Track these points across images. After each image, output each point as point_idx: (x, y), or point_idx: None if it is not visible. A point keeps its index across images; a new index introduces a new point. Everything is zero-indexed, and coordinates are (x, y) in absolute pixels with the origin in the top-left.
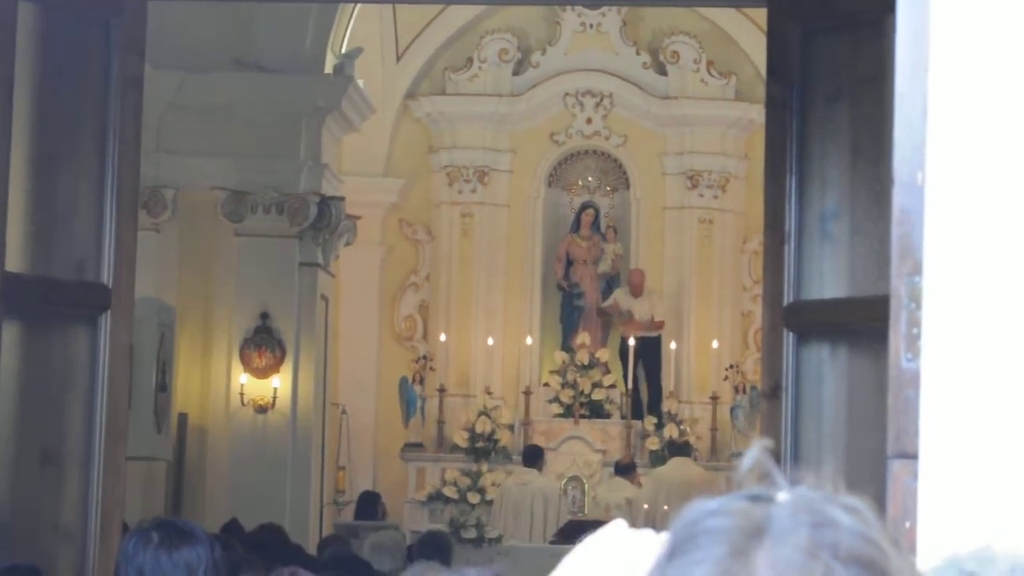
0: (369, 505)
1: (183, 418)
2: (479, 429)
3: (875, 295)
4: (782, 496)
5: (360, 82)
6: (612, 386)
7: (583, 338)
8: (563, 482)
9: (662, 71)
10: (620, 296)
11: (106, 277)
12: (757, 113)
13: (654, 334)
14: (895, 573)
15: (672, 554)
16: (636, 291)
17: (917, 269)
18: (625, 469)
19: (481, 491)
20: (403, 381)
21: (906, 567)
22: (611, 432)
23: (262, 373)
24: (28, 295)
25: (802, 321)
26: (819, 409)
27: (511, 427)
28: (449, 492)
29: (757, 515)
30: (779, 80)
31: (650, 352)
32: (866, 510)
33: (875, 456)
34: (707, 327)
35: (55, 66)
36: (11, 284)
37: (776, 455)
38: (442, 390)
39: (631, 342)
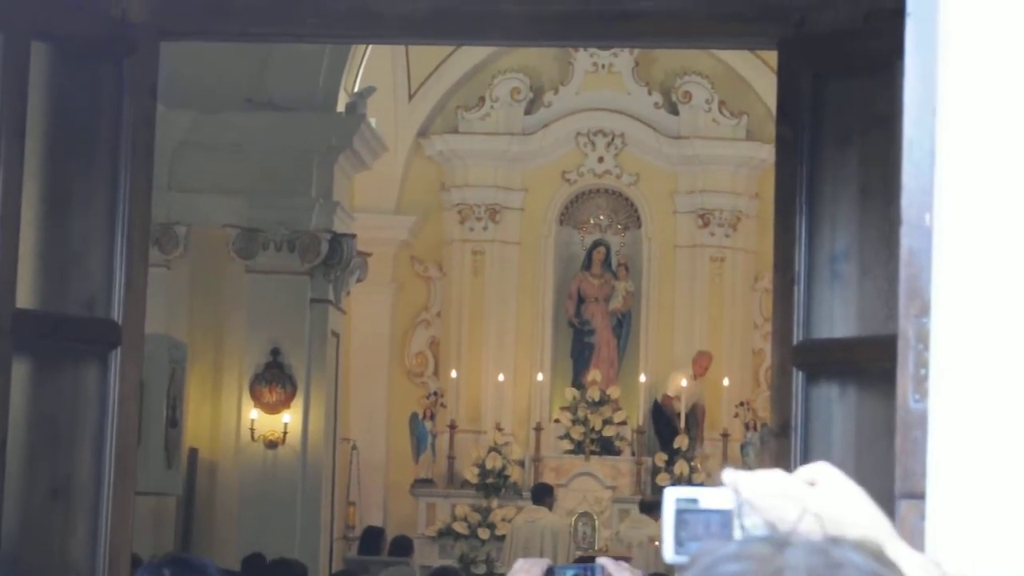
0: (374, 540)
1: (193, 453)
2: (489, 465)
3: (884, 335)
4: (795, 538)
5: (372, 120)
6: (623, 423)
7: (594, 375)
8: (573, 518)
9: (674, 111)
10: (677, 380)
11: (116, 314)
12: (768, 152)
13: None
14: None
15: None
16: (699, 373)
17: (925, 310)
18: (649, 507)
19: (491, 527)
20: (414, 417)
21: None
22: (622, 468)
23: (273, 408)
24: (38, 331)
25: (811, 360)
26: (828, 448)
27: (521, 463)
28: (459, 528)
29: (772, 559)
30: (789, 122)
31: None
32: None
33: (883, 496)
34: (718, 365)
35: (67, 105)
36: (22, 320)
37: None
38: (453, 426)
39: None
